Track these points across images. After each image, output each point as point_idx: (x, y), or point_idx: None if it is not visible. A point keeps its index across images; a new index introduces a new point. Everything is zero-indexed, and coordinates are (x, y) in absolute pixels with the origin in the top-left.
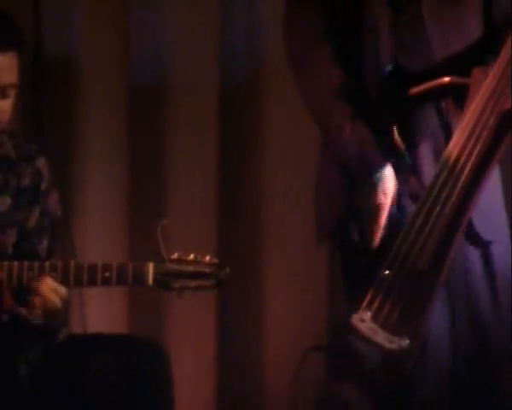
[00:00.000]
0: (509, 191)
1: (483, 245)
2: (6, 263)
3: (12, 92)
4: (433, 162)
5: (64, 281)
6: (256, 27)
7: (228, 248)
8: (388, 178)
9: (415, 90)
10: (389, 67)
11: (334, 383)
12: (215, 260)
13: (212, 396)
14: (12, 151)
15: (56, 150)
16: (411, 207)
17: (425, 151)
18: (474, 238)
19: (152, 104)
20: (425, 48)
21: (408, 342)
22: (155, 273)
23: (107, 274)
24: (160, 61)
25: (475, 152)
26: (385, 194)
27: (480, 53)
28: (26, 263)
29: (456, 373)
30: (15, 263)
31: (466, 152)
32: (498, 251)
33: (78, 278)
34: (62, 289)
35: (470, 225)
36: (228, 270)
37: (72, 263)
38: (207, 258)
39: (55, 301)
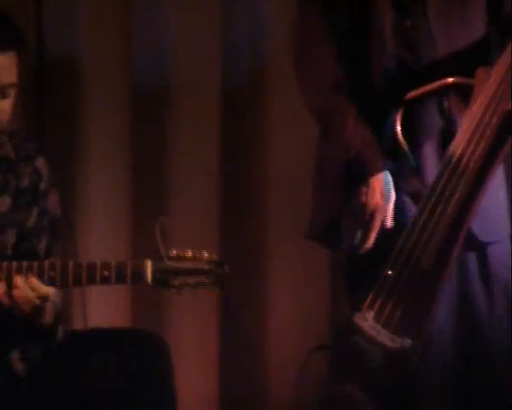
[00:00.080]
0: (510, 191)
1: (480, 247)
2: (5, 263)
3: (12, 92)
4: (436, 162)
5: (63, 280)
6: (258, 27)
7: (230, 248)
8: (388, 180)
9: (419, 91)
10: (394, 67)
11: (336, 383)
12: (214, 257)
13: (214, 396)
14: (11, 151)
15: (59, 151)
16: (413, 207)
17: (428, 151)
18: (470, 241)
19: (155, 104)
20: (430, 47)
21: (410, 341)
22: (154, 271)
23: (106, 273)
24: (163, 61)
25: (478, 151)
26: (383, 195)
27: (484, 52)
28: (24, 263)
29: (458, 373)
30: (14, 263)
31: (469, 151)
32: (497, 252)
33: (77, 277)
34: (43, 288)
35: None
36: (227, 267)
37: (71, 262)
38: (206, 255)
39: (30, 297)
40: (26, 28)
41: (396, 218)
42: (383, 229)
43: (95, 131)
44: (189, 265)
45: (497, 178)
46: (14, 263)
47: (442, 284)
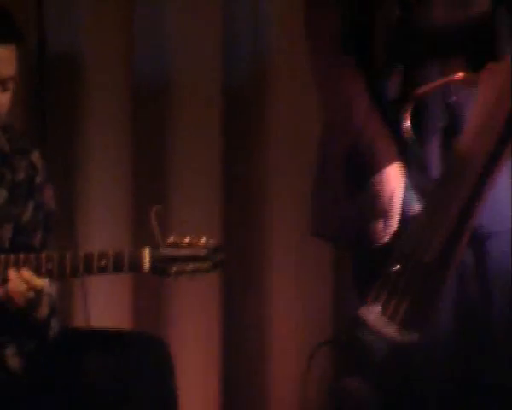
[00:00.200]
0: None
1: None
2: (3, 256)
3: (11, 85)
4: (441, 157)
5: (60, 272)
6: (261, 26)
7: (233, 245)
8: (399, 174)
9: (428, 86)
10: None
11: (342, 378)
12: (211, 243)
13: (217, 393)
14: (6, 145)
15: (60, 146)
16: (419, 202)
17: (434, 146)
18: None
19: (156, 101)
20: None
21: (416, 336)
22: (151, 259)
23: (103, 262)
24: (164, 58)
25: (486, 147)
26: (398, 183)
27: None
28: (22, 255)
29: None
30: (12, 256)
31: (476, 147)
32: (496, 246)
33: (75, 268)
34: (37, 281)
35: None
36: (224, 251)
37: (68, 253)
38: (203, 240)
39: (23, 290)
40: (28, 25)
41: (401, 212)
42: (402, 217)
43: (96, 127)
44: (186, 251)
45: (505, 172)
46: (12, 256)
47: (447, 278)
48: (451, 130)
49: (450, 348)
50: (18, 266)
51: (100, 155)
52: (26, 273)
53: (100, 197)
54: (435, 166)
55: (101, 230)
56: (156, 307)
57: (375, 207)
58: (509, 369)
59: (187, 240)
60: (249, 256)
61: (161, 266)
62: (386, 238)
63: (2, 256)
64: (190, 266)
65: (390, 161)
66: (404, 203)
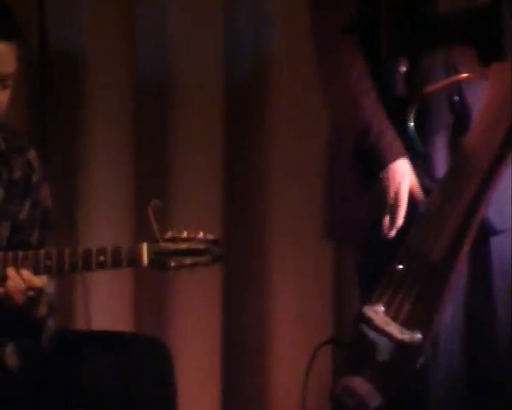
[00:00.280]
0: None
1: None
2: (1, 254)
3: (10, 83)
4: (446, 156)
5: (59, 268)
6: (262, 26)
7: (234, 245)
8: (406, 169)
9: (432, 87)
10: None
11: (346, 377)
12: (209, 236)
13: (218, 394)
14: (2, 143)
15: (62, 145)
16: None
17: (439, 145)
18: (485, 228)
19: (158, 101)
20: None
21: (419, 335)
22: (150, 254)
23: (101, 258)
24: (166, 58)
25: (492, 145)
26: (405, 178)
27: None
28: (20, 253)
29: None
30: (10, 253)
31: (483, 145)
32: (502, 245)
33: (73, 264)
34: (36, 281)
35: None
36: (223, 245)
37: (67, 250)
38: (201, 234)
39: (22, 288)
40: (29, 24)
41: (406, 211)
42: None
43: (97, 127)
44: (184, 245)
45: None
46: (10, 253)
47: (452, 279)
48: (457, 128)
49: (454, 347)
50: (17, 263)
51: (101, 154)
52: (26, 273)
53: (101, 197)
54: (440, 165)
55: (103, 230)
56: (157, 307)
57: (382, 202)
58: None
59: (185, 234)
60: (250, 256)
61: (160, 260)
62: (393, 233)
63: (1, 254)
64: (189, 260)
65: (397, 157)
66: (408, 202)
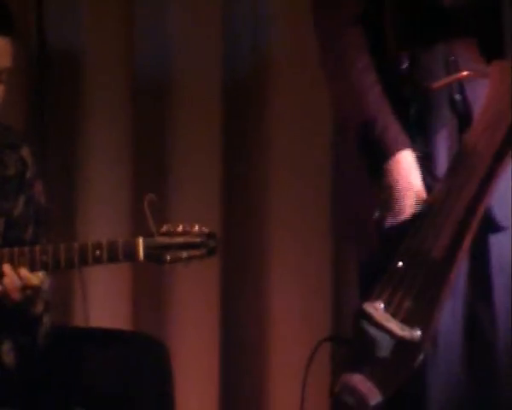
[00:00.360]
0: None
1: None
2: None
3: (5, 78)
4: (447, 154)
5: (55, 264)
6: (260, 25)
7: (233, 244)
8: (412, 161)
9: (433, 84)
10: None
11: (346, 375)
12: (204, 230)
13: (216, 393)
14: None
15: (61, 146)
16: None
17: (439, 143)
18: (490, 224)
19: (156, 100)
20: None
21: (419, 333)
22: (145, 248)
23: (97, 253)
24: (165, 57)
25: (493, 143)
26: (410, 169)
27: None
28: (16, 249)
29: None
30: (5, 250)
31: (483, 143)
32: (498, 244)
33: (70, 259)
34: (33, 279)
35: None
36: (217, 239)
37: (63, 245)
38: (196, 228)
39: (19, 286)
40: (28, 23)
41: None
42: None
43: (96, 126)
44: (180, 239)
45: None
46: (6, 250)
47: (451, 277)
48: (457, 126)
49: (454, 346)
50: (13, 260)
51: (100, 154)
52: (23, 271)
53: (100, 196)
54: (441, 164)
55: (102, 229)
56: (155, 304)
57: (388, 196)
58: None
59: (180, 228)
60: (249, 254)
61: (156, 254)
62: (403, 219)
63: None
64: (185, 254)
65: (402, 148)
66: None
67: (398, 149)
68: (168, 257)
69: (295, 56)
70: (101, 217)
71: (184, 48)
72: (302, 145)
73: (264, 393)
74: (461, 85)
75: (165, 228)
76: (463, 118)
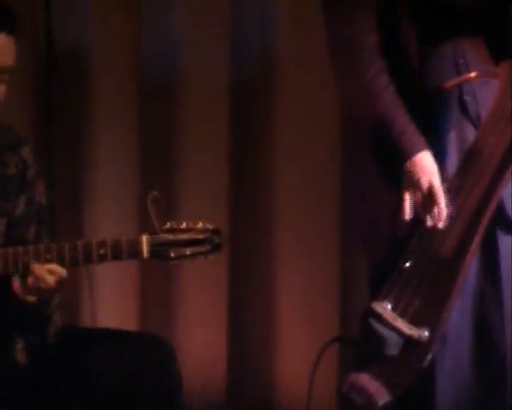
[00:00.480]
0: None
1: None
2: (1, 249)
3: (7, 77)
4: (457, 154)
5: (60, 262)
6: (268, 25)
7: (240, 244)
8: (431, 161)
9: (455, 80)
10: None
11: (354, 374)
12: (208, 226)
13: (223, 394)
14: None
15: (68, 145)
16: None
17: (449, 143)
18: (505, 222)
19: (163, 100)
20: None
21: (427, 333)
22: (150, 245)
23: (102, 251)
24: (172, 57)
25: (502, 143)
26: (430, 169)
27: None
28: (20, 248)
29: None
30: (10, 249)
31: (493, 143)
32: (507, 245)
33: (74, 258)
34: (59, 270)
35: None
36: (223, 234)
37: (67, 244)
38: (200, 224)
39: (50, 281)
40: (35, 24)
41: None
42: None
43: (103, 126)
44: (184, 236)
45: None
46: (10, 249)
47: (460, 277)
48: (466, 126)
49: (463, 347)
50: (17, 259)
51: (107, 154)
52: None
53: (107, 196)
54: (451, 164)
55: (109, 229)
56: (162, 303)
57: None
58: None
59: (184, 225)
60: (256, 255)
61: (160, 251)
62: (441, 225)
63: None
64: (189, 250)
65: (421, 149)
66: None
67: (418, 150)
68: (172, 254)
69: (302, 57)
70: (109, 216)
71: (191, 48)
72: (309, 145)
73: (271, 392)
74: (470, 86)
75: (168, 225)
76: (473, 118)
